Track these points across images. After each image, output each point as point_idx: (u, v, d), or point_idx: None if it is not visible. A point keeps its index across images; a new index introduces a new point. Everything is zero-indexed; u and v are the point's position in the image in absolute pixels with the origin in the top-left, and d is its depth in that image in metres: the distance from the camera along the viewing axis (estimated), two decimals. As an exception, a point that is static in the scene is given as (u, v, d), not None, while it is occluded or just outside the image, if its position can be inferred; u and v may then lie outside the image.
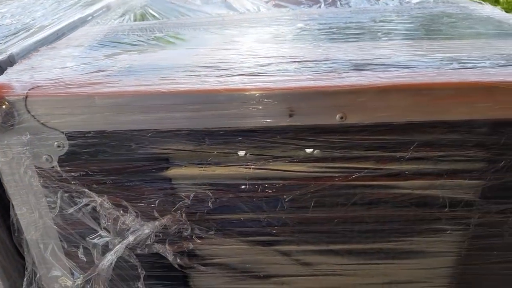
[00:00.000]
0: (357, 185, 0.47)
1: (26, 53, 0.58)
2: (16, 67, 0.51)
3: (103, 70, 0.47)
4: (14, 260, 0.56)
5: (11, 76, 0.47)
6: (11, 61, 0.55)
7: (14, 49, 0.57)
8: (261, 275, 0.54)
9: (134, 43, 0.58)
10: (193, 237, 0.50)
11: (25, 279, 0.54)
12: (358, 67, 0.45)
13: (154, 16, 0.72)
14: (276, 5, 0.79)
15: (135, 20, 0.72)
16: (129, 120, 0.43)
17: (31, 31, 0.67)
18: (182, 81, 0.44)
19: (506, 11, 0.64)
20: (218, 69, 0.46)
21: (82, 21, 0.76)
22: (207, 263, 0.53)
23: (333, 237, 0.51)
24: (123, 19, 0.72)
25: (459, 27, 0.58)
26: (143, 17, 0.73)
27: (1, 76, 0.47)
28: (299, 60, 0.48)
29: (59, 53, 0.55)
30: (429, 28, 0.60)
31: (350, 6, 0.78)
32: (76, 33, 0.67)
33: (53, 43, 0.61)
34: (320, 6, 0.77)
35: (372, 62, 0.46)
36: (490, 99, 0.41)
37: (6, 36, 0.64)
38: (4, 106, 0.42)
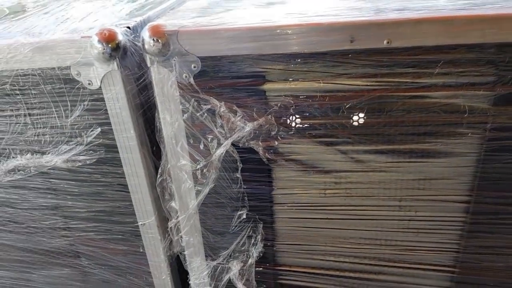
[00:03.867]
0: (399, 96, 0.65)
1: (156, 16, 0.82)
2: (161, 18, 0.75)
3: (223, 20, 0.70)
4: (151, 160, 0.80)
5: (162, 21, 0.71)
6: (145, 21, 0.80)
7: (149, 13, 0.82)
8: (324, 170, 0.74)
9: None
10: (278, 137, 0.71)
11: (160, 168, 0.78)
12: (400, 9, 0.64)
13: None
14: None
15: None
16: (241, 47, 0.65)
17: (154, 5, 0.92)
18: (277, 20, 0.65)
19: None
20: (302, 15, 0.67)
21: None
22: (285, 158, 0.74)
23: (381, 139, 0.69)
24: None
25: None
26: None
27: (158, 20, 0.71)
28: (357, 8, 0.68)
29: (183, 14, 0.79)
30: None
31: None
32: (187, 4, 0.91)
33: (174, 9, 0.86)
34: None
35: (411, 7, 0.65)
36: (495, 27, 0.58)
37: (137, 10, 0.90)
38: (164, 38, 0.66)
